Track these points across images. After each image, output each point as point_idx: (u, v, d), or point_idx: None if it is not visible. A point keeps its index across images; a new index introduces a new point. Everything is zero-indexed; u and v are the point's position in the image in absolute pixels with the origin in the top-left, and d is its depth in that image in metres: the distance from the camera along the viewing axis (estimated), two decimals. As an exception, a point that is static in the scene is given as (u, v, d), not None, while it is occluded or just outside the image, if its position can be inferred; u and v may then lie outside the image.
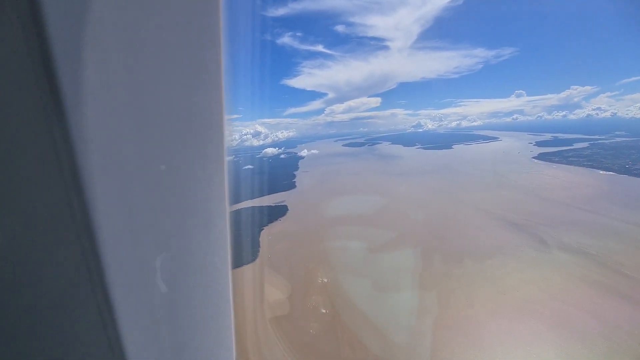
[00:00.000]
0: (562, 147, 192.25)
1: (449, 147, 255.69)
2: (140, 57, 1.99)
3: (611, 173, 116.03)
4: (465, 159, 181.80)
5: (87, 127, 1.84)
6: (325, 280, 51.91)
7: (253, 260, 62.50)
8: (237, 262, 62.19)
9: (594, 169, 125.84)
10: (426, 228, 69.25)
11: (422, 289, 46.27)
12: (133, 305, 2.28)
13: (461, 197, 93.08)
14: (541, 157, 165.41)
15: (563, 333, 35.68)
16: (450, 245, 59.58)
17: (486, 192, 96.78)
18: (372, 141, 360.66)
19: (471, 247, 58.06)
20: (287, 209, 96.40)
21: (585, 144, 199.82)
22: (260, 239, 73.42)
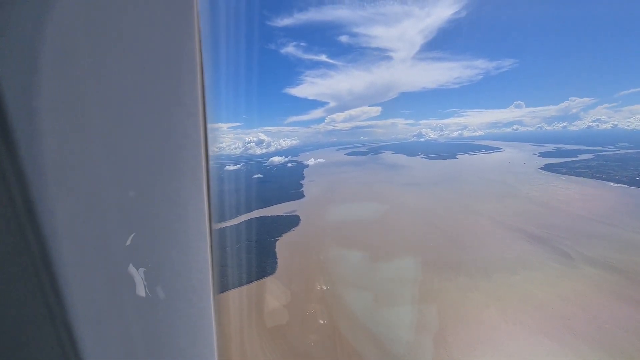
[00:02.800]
0: (567, 159, 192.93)
1: (453, 157, 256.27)
2: (108, 71, 1.89)
3: (623, 185, 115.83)
4: (472, 169, 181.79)
5: (47, 145, 1.75)
6: (348, 296, 50.80)
7: (272, 272, 61.37)
8: (256, 275, 61.04)
9: (604, 181, 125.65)
10: (447, 240, 68.34)
11: (455, 304, 45.17)
12: (98, 326, 2.21)
13: (476, 208, 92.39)
14: (548, 168, 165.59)
15: (610, 353, 34.71)
16: (475, 258, 58.65)
17: (500, 204, 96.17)
18: (374, 150, 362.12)
19: (497, 261, 57.18)
20: (299, 219, 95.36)
21: (590, 155, 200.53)
22: (277, 250, 72.22)
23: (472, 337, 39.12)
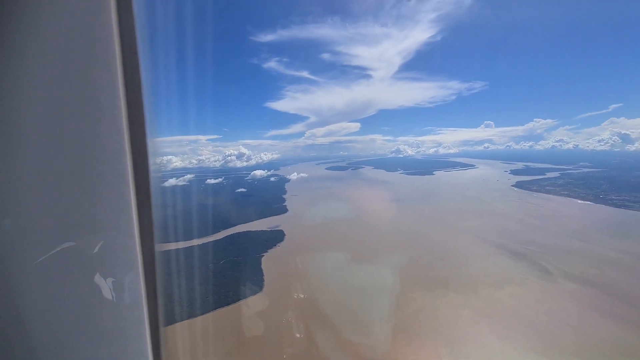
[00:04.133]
0: (536, 176, 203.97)
1: (430, 173, 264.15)
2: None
3: (589, 202, 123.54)
4: (450, 185, 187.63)
5: None
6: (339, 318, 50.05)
7: (259, 290, 59.51)
8: (242, 294, 58.91)
9: (571, 198, 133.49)
10: (435, 258, 69.43)
11: (447, 321, 45.54)
12: None
13: (458, 225, 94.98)
14: (519, 185, 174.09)
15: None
16: (462, 274, 59.85)
17: (479, 220, 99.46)
18: (354, 165, 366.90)
19: (483, 277, 58.61)
20: (284, 234, 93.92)
21: (556, 174, 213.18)
22: (263, 266, 70.38)
23: (465, 355, 39.43)
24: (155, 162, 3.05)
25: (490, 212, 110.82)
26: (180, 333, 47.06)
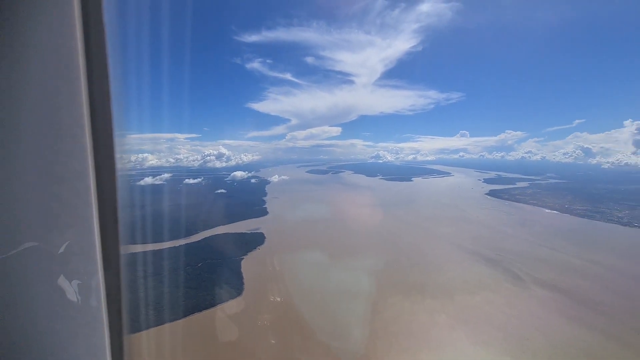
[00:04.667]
0: (508, 185, 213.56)
1: (409, 179, 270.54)
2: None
3: (555, 212, 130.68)
4: (427, 192, 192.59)
5: None
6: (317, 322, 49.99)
7: (239, 294, 58.34)
8: (220, 298, 57.48)
9: (540, 207, 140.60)
10: (414, 264, 70.88)
11: (425, 326, 46.54)
12: None
13: (436, 232, 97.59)
14: (492, 193, 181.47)
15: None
16: (439, 280, 61.43)
17: (456, 227, 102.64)
18: (335, 169, 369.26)
19: (459, 283, 60.43)
20: (264, 237, 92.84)
21: (525, 184, 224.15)
22: (242, 269, 69.14)
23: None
24: (122, 159, 2.95)
25: (465, 219, 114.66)
26: (151, 340, 45.32)
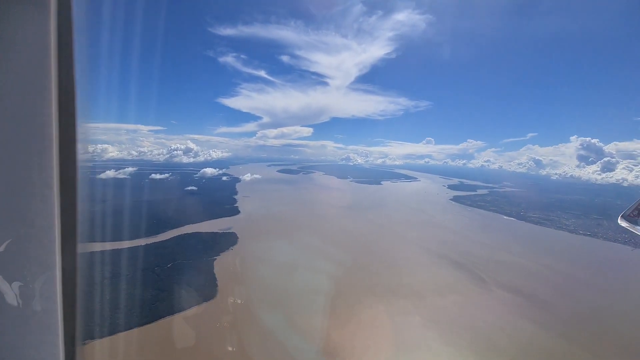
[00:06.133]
0: (469, 192, 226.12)
1: (378, 182, 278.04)
2: None
3: (512, 218, 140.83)
4: (396, 196, 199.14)
5: None
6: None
7: (213, 297, 56.61)
8: (191, 301, 55.41)
9: (498, 214, 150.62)
10: (385, 266, 73.03)
11: (398, 326, 48.25)
12: None
13: (405, 235, 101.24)
14: (456, 199, 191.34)
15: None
16: (410, 282, 63.92)
17: (424, 231, 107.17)
18: (306, 170, 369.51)
19: (429, 285, 63.32)
20: (237, 237, 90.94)
21: (485, 191, 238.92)
22: (215, 270, 67.25)
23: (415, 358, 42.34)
24: (83, 149, 2.76)
25: (433, 224, 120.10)
26: (114, 348, 42.83)
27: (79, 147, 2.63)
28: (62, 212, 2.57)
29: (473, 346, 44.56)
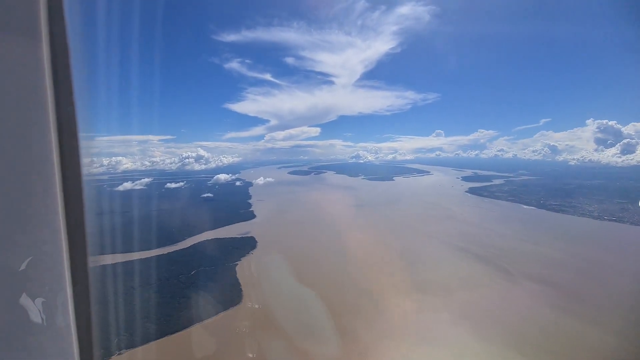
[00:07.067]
0: (485, 183, 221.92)
1: (390, 179, 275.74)
2: None
3: (533, 207, 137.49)
4: (410, 191, 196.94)
5: None
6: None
7: (238, 302, 57.07)
8: (218, 307, 55.93)
9: (518, 203, 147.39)
10: (407, 262, 72.31)
11: (429, 322, 47.64)
12: None
13: (423, 230, 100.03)
14: (472, 191, 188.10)
15: None
16: (435, 278, 63.08)
17: (442, 225, 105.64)
18: (316, 170, 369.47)
19: (454, 280, 62.31)
20: (256, 241, 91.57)
21: (501, 181, 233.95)
22: (238, 276, 67.82)
23: (450, 355, 41.67)
24: (89, 163, 2.81)
25: (450, 217, 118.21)
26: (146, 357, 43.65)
27: (83, 161, 2.62)
28: (72, 227, 2.53)
29: (509, 341, 43.57)
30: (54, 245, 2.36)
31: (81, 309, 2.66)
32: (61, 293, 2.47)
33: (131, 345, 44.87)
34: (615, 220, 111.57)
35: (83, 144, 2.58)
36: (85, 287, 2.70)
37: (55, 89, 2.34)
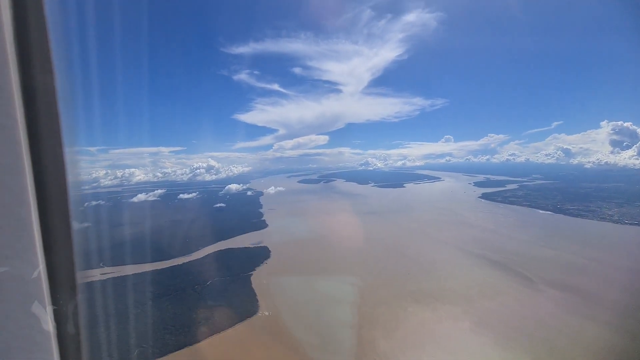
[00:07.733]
0: (498, 188, 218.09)
1: (401, 185, 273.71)
2: None
3: (549, 212, 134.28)
4: (422, 197, 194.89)
5: None
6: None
7: (254, 312, 56.94)
8: (238, 317, 55.89)
9: (533, 208, 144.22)
10: (422, 270, 71.25)
11: (450, 333, 46.63)
12: None
13: (437, 236, 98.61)
14: (485, 196, 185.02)
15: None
16: (452, 286, 61.89)
17: (456, 231, 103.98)
18: (326, 178, 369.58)
19: (472, 288, 60.99)
20: (269, 251, 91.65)
21: (515, 185, 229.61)
22: (253, 286, 67.79)
23: None
24: (75, 176, 2.72)
25: (464, 223, 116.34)
26: None
27: (68, 171, 2.57)
28: (57, 241, 2.50)
29: (533, 351, 42.25)
30: (26, 258, 2.30)
31: (63, 328, 2.57)
32: (43, 310, 2.40)
33: (151, 358, 45.18)
34: (637, 224, 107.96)
35: (67, 152, 2.54)
36: (74, 302, 2.63)
37: (30, 96, 2.30)
